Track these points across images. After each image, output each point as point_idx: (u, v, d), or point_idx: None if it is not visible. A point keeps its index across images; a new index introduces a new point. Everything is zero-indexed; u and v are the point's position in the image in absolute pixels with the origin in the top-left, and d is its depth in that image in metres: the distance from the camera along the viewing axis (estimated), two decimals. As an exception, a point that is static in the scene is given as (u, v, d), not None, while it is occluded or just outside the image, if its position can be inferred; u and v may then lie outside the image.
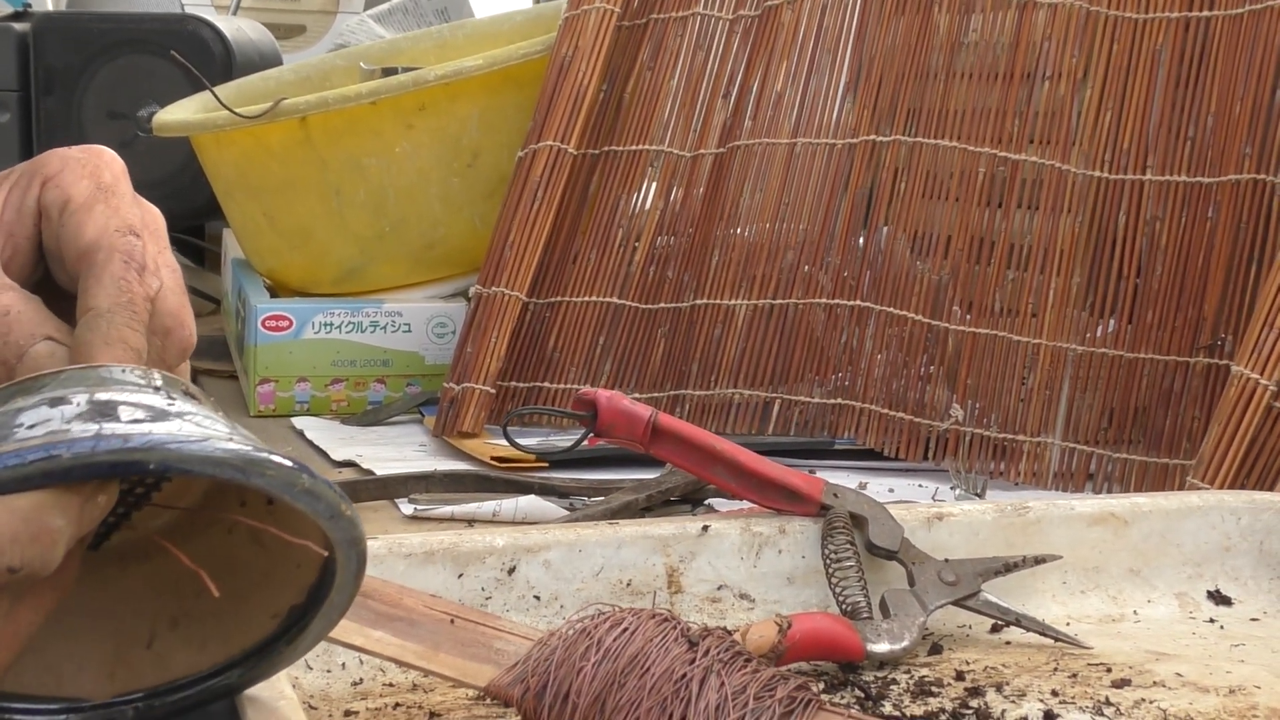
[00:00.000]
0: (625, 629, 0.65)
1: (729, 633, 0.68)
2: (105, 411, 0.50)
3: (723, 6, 1.54)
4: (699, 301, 1.46)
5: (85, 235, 0.59)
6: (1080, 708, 0.77)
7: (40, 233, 0.61)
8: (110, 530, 0.58)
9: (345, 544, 0.55)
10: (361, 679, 0.80)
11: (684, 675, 0.63)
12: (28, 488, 0.48)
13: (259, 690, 0.62)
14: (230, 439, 0.50)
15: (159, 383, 0.53)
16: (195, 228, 2.28)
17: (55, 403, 0.50)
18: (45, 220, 0.61)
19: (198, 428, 0.50)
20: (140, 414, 0.50)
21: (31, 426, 0.49)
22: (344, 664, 0.80)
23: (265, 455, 0.51)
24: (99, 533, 0.57)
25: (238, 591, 0.58)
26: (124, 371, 0.53)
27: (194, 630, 0.57)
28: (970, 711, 0.76)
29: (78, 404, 0.50)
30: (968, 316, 1.36)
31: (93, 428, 0.49)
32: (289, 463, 0.51)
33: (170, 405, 0.52)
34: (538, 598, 0.86)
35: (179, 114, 1.74)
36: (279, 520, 0.55)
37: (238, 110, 1.57)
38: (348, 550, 0.55)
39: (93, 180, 0.60)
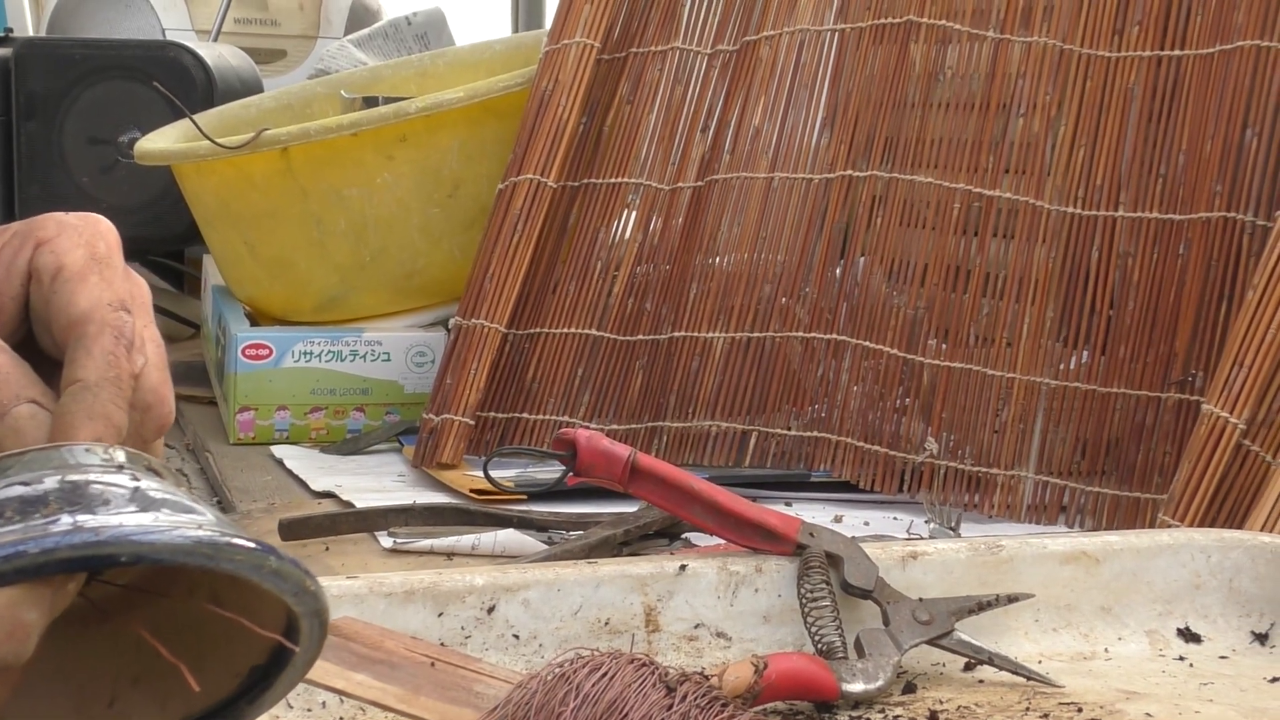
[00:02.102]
0: (604, 674, 0.66)
1: (706, 677, 0.69)
2: (74, 500, 0.51)
3: (702, 41, 1.55)
4: (677, 334, 1.48)
5: (77, 305, 0.59)
6: (1051, 748, 0.78)
7: (28, 295, 0.61)
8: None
9: (309, 615, 0.55)
10: (341, 719, 0.81)
11: (661, 721, 0.64)
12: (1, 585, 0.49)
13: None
14: (199, 526, 0.51)
15: (122, 460, 0.54)
16: (175, 252, 2.29)
17: (25, 486, 0.51)
18: (35, 283, 0.61)
19: (166, 515, 0.51)
20: (110, 499, 0.51)
21: (2, 516, 0.50)
22: (324, 703, 0.81)
23: (231, 540, 0.51)
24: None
25: (200, 649, 0.58)
26: (87, 452, 0.53)
27: (156, 687, 0.56)
28: (943, 752, 0.77)
29: (47, 490, 0.51)
30: (943, 347, 1.37)
31: (66, 520, 0.49)
32: (255, 545, 0.52)
33: (137, 488, 0.52)
34: (516, 636, 0.87)
35: (160, 143, 1.75)
36: (240, 588, 0.55)
37: (219, 140, 1.58)
38: (311, 620, 0.55)
39: (88, 250, 0.60)
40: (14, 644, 0.49)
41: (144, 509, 0.51)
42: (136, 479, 0.53)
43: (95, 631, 0.59)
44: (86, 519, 0.50)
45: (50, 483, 0.51)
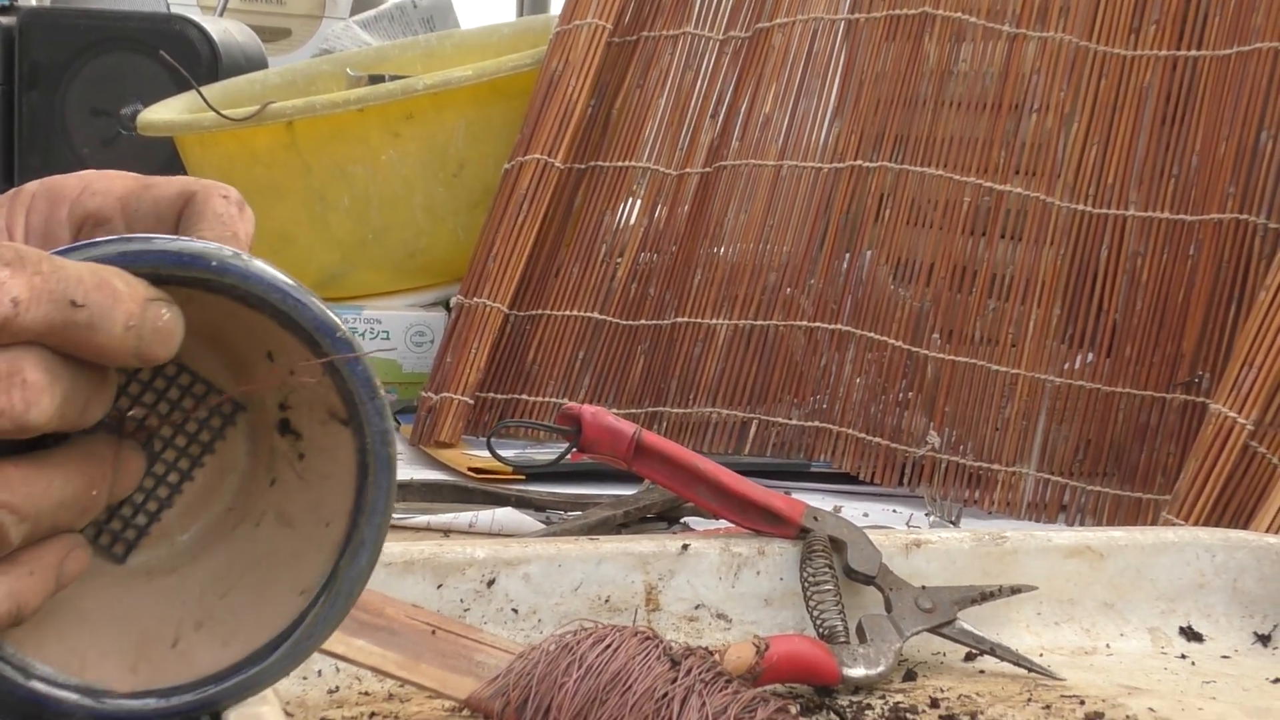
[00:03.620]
0: (608, 645, 0.65)
1: (710, 652, 0.68)
2: (178, 238, 0.53)
3: (713, 27, 1.54)
4: (680, 320, 1.47)
5: (171, 191, 0.59)
6: (1054, 739, 0.77)
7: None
8: (139, 538, 0.58)
9: (378, 435, 0.56)
10: (338, 687, 0.80)
11: (665, 694, 0.63)
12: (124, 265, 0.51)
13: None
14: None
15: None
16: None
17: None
18: (96, 226, 0.60)
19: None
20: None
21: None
22: (320, 671, 0.80)
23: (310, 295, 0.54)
24: (128, 540, 0.58)
25: (263, 582, 0.58)
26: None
27: (218, 630, 0.57)
28: (945, 739, 0.76)
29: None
30: (947, 345, 1.36)
31: (163, 237, 0.53)
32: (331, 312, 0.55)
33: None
34: (516, 611, 0.86)
35: (164, 114, 1.74)
36: (306, 471, 0.57)
37: (224, 112, 1.57)
38: (380, 449, 0.56)
39: (132, 179, 0.60)
40: (102, 296, 0.49)
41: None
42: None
43: (160, 583, 0.59)
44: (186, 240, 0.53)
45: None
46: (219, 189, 0.59)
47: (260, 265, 0.54)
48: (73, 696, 0.56)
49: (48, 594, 0.52)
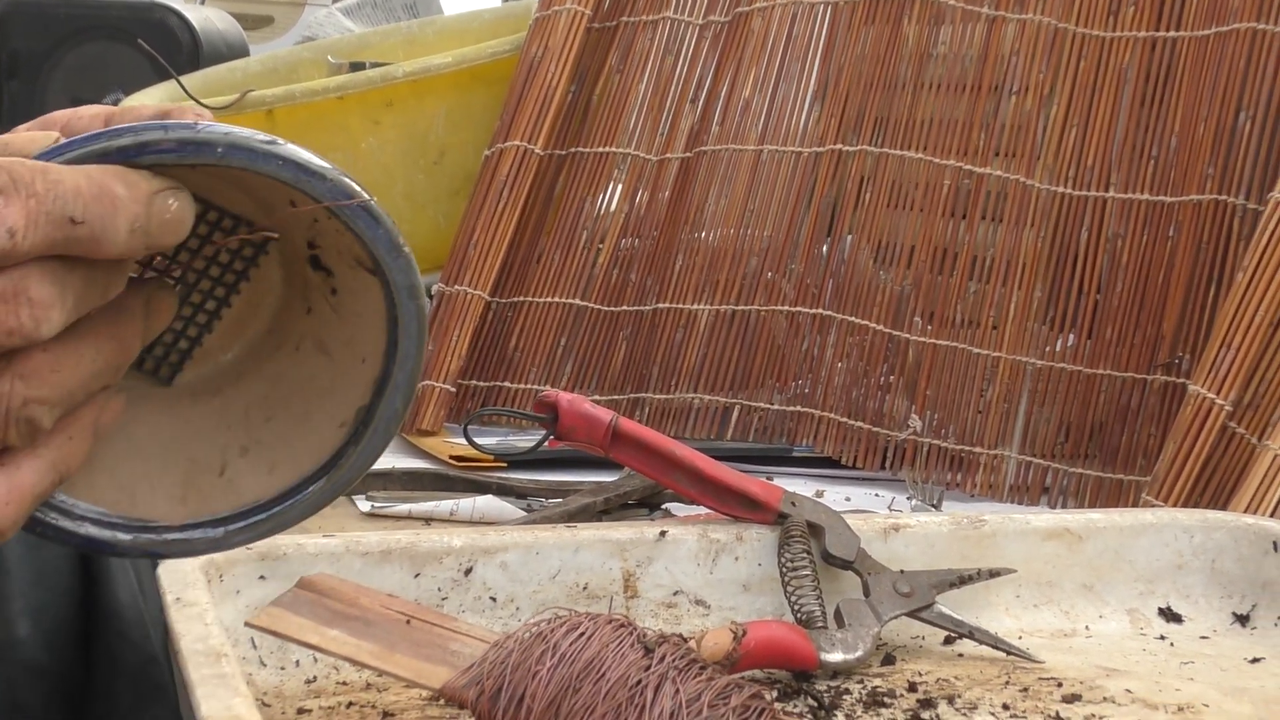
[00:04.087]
0: (582, 634, 0.65)
1: (685, 640, 0.68)
2: (179, 123, 0.53)
3: (693, 11, 1.54)
4: (661, 305, 1.47)
5: (150, 109, 0.58)
6: (1031, 722, 0.77)
7: None
8: (183, 360, 0.59)
9: (405, 290, 0.57)
10: (315, 677, 0.80)
11: (639, 681, 0.63)
12: (125, 158, 0.51)
13: (212, 687, 0.62)
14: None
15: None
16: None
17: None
18: None
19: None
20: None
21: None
22: (298, 661, 0.80)
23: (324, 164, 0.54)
24: (173, 364, 0.59)
25: (305, 410, 0.59)
26: None
27: (264, 455, 0.58)
28: (922, 723, 0.76)
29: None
30: (929, 327, 1.36)
31: (161, 125, 0.52)
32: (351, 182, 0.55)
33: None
34: (494, 599, 0.86)
35: (145, 102, 1.73)
36: (339, 306, 0.58)
37: (204, 101, 1.57)
38: (408, 302, 0.57)
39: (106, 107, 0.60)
40: (101, 208, 0.49)
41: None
42: None
43: (205, 405, 0.60)
44: (184, 126, 0.53)
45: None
46: (195, 108, 0.58)
47: (266, 146, 0.54)
48: (126, 537, 0.57)
49: (88, 451, 0.52)
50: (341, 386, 0.61)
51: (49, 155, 0.51)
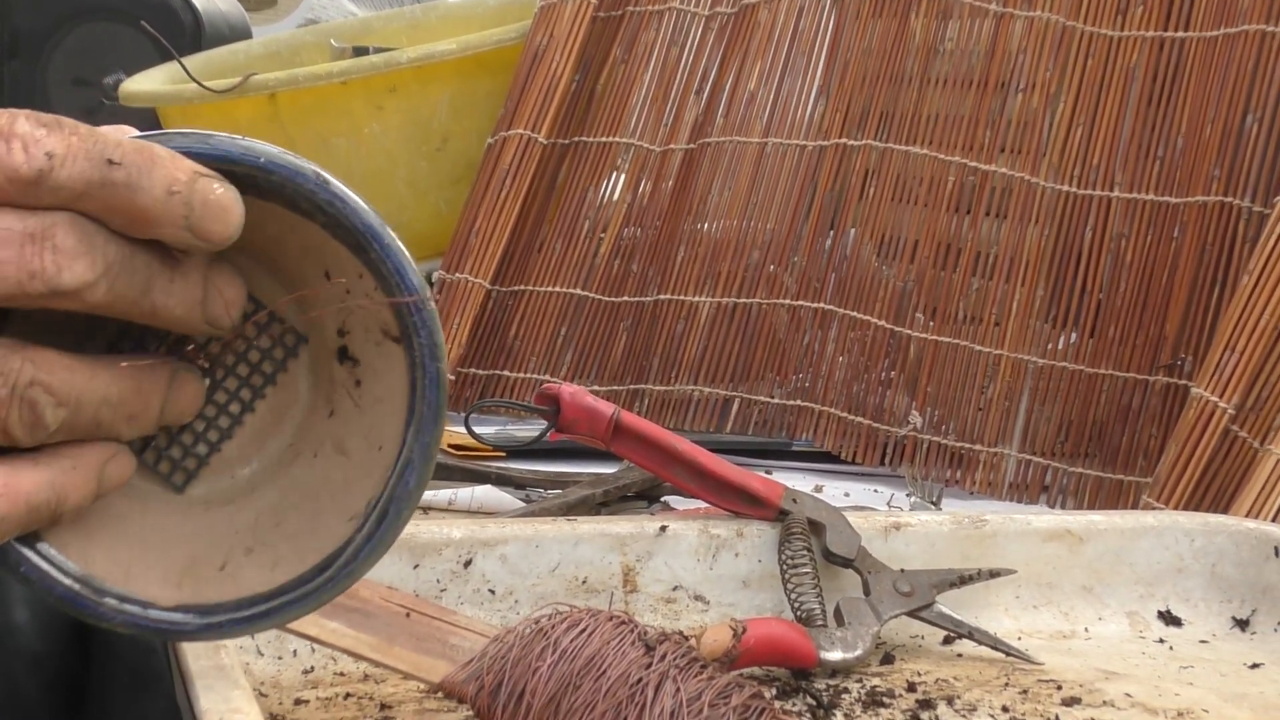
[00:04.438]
0: (583, 630, 0.64)
1: (685, 638, 0.68)
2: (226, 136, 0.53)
3: (699, 3, 1.54)
4: (662, 297, 1.46)
5: None
6: (1030, 724, 0.77)
7: None
8: (199, 468, 0.58)
9: (428, 349, 0.56)
10: (313, 667, 0.79)
11: (640, 679, 0.63)
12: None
13: (211, 679, 0.61)
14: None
15: None
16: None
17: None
18: None
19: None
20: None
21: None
22: (295, 651, 0.80)
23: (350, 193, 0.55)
24: (188, 469, 0.58)
25: (315, 510, 0.58)
26: None
27: (267, 554, 0.57)
28: (921, 724, 0.76)
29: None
30: (931, 324, 1.36)
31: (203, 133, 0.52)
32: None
33: None
34: (493, 591, 0.86)
35: (146, 84, 1.73)
36: (362, 398, 0.58)
37: (206, 83, 1.56)
38: (430, 364, 0.56)
39: None
40: (142, 158, 0.49)
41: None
42: None
43: (215, 514, 0.59)
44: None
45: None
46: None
47: (306, 163, 0.53)
48: (111, 602, 0.55)
49: (89, 493, 0.52)
50: (355, 482, 0.59)
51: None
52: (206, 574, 0.58)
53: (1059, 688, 0.83)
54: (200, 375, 0.56)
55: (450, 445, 1.32)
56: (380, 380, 0.58)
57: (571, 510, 1.10)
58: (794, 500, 0.90)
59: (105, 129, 0.50)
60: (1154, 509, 1.12)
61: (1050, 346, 1.33)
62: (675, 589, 0.89)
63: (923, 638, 0.89)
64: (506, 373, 1.48)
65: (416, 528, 0.85)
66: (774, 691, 0.80)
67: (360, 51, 1.76)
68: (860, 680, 0.82)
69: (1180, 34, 1.32)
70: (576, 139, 1.53)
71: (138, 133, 0.52)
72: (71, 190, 0.47)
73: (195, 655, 0.63)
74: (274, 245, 0.56)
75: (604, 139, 1.53)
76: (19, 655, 0.79)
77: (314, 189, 0.53)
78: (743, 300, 1.44)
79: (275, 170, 0.53)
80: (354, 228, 0.54)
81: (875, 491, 1.29)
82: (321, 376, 0.59)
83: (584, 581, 0.87)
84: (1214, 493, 1.13)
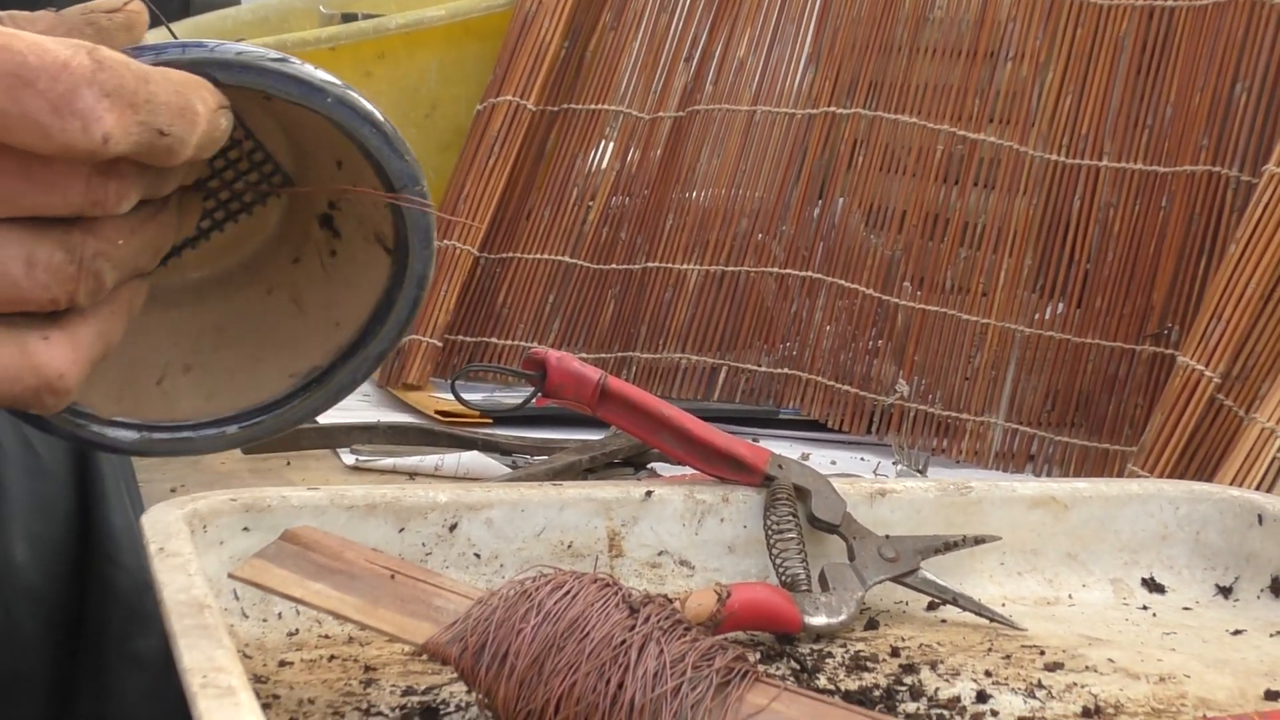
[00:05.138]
0: (567, 592, 0.65)
1: (670, 600, 0.68)
2: (284, 58, 0.56)
3: (689, -31, 1.53)
4: (650, 264, 1.46)
5: None
6: (1013, 689, 0.77)
7: None
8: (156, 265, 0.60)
9: (418, 280, 0.59)
10: (297, 630, 0.80)
11: (623, 641, 0.63)
12: (214, 75, 0.54)
13: (195, 638, 0.61)
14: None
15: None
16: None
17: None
18: None
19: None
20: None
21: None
22: (280, 614, 0.80)
23: (397, 133, 0.58)
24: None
25: (257, 352, 0.61)
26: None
27: (205, 380, 0.59)
28: (904, 688, 0.76)
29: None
30: (918, 293, 1.36)
31: (234, 47, 0.55)
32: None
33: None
34: (478, 555, 0.86)
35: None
36: (332, 269, 0.60)
37: (194, 48, 1.55)
38: (414, 291, 0.60)
39: None
40: (184, 122, 0.52)
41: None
42: None
43: (159, 315, 0.61)
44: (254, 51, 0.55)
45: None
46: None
47: (348, 93, 0.56)
48: (65, 413, 0.58)
49: (124, 329, 0.55)
50: (303, 342, 0.62)
51: (143, 54, 0.53)
52: (145, 388, 0.60)
53: (1042, 653, 0.83)
54: (200, 199, 0.59)
55: (437, 411, 1.32)
56: (356, 267, 0.60)
57: (558, 476, 1.10)
58: (780, 466, 0.90)
59: (155, 71, 0.52)
60: (1139, 477, 1.13)
61: (1037, 316, 1.33)
62: (660, 554, 0.89)
63: (907, 603, 0.89)
64: (494, 340, 1.48)
65: (402, 491, 0.85)
66: (758, 656, 0.80)
67: (349, 17, 1.75)
68: (844, 645, 0.83)
69: (1170, 2, 1.32)
70: (565, 106, 1.53)
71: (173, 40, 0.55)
72: (121, 153, 0.52)
73: (180, 615, 0.63)
74: (295, 119, 0.58)
75: (593, 106, 1.52)
76: (17, 593, 0.79)
77: (353, 125, 0.56)
78: (731, 269, 1.44)
79: (338, 114, 0.55)
80: (389, 170, 0.57)
81: (862, 460, 1.29)
82: (296, 224, 0.61)
83: (569, 546, 0.87)
84: (1199, 461, 1.13)
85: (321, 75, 0.55)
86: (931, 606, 0.89)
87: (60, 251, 0.52)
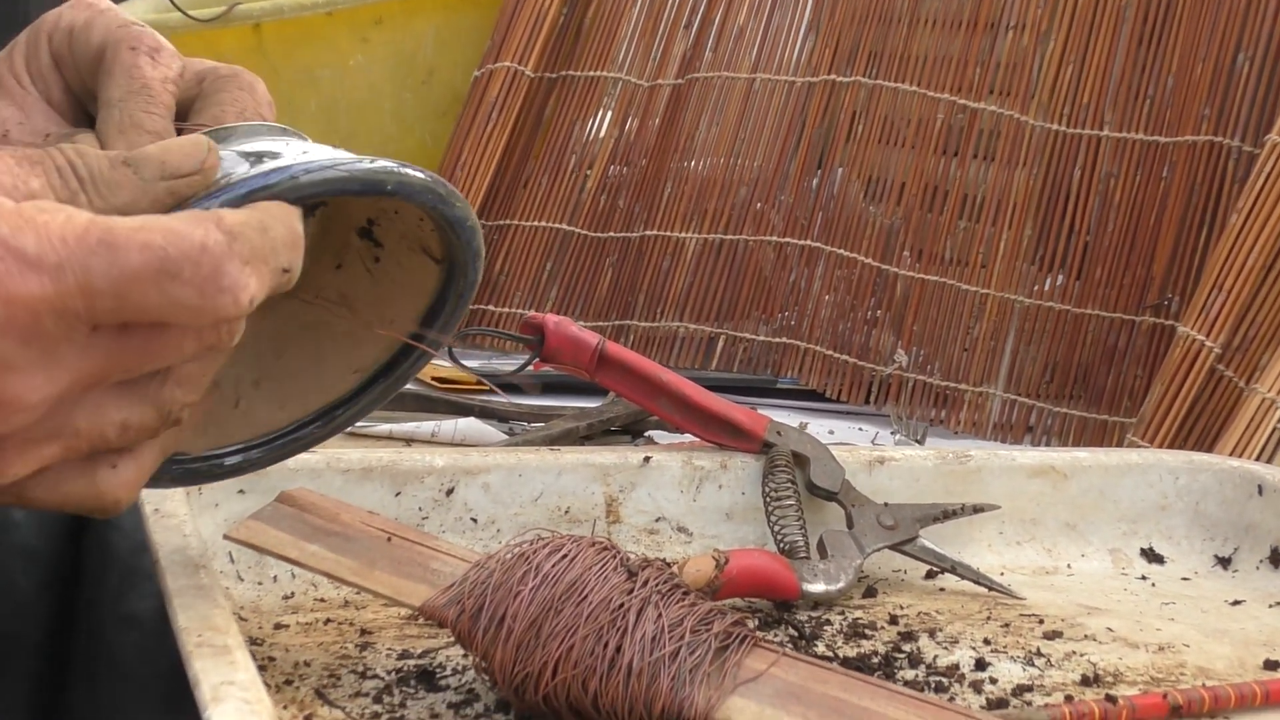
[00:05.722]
0: (564, 555, 0.64)
1: (668, 564, 0.68)
2: (310, 152, 0.57)
3: (689, -65, 1.52)
4: (649, 233, 1.46)
5: (92, 43, 0.60)
6: (1011, 657, 0.77)
7: (68, 84, 0.63)
8: None
9: (470, 287, 0.63)
10: (293, 593, 0.79)
11: (621, 605, 0.62)
12: (300, 197, 0.55)
13: (190, 598, 0.61)
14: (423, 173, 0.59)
15: (289, 130, 0.61)
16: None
17: (280, 137, 0.58)
18: (63, 67, 0.62)
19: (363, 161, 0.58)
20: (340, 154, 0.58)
21: (274, 155, 0.56)
22: (275, 577, 0.80)
23: (450, 189, 0.59)
24: None
25: (318, 352, 0.63)
26: (267, 125, 0.59)
27: (275, 390, 0.61)
28: (903, 656, 0.76)
29: (294, 145, 0.57)
30: (917, 263, 1.36)
31: (329, 156, 0.56)
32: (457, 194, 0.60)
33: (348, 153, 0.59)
34: (475, 520, 0.85)
35: (130, 14, 1.71)
36: (378, 272, 0.63)
37: (190, 13, 1.55)
38: (467, 293, 0.64)
39: (89, 8, 0.62)
40: (297, 254, 0.54)
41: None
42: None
43: None
44: (343, 156, 0.57)
45: (285, 141, 0.58)
46: (129, 39, 0.60)
47: (404, 175, 0.57)
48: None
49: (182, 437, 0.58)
50: (361, 340, 0.64)
51: (233, 190, 0.55)
52: (225, 413, 0.63)
53: (1041, 622, 0.83)
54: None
55: (434, 377, 1.31)
56: (404, 272, 0.63)
57: (555, 443, 1.10)
58: (778, 433, 0.90)
59: (270, 209, 0.54)
60: (1139, 447, 1.12)
61: (1036, 287, 1.32)
62: (658, 520, 0.89)
63: (905, 572, 0.89)
64: (491, 307, 1.47)
65: (399, 455, 0.85)
66: (756, 623, 0.80)
67: (346, -17, 1.74)
68: (842, 612, 0.82)
69: (1173, -28, 1.31)
70: (564, 73, 1.52)
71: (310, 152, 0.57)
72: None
73: (174, 575, 0.63)
74: None
75: (591, 73, 1.51)
76: (15, 552, 0.79)
77: (424, 204, 0.59)
78: (729, 237, 1.43)
79: (398, 195, 0.58)
80: (451, 224, 0.61)
81: (860, 429, 1.29)
82: (334, 235, 0.63)
83: (566, 511, 0.87)
84: (1199, 431, 1.13)
85: (379, 166, 0.57)
86: (930, 575, 0.89)
87: (152, 410, 0.54)
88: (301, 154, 0.56)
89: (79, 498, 0.54)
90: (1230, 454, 1.07)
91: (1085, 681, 0.74)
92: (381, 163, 0.57)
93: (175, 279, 0.50)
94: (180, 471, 0.62)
